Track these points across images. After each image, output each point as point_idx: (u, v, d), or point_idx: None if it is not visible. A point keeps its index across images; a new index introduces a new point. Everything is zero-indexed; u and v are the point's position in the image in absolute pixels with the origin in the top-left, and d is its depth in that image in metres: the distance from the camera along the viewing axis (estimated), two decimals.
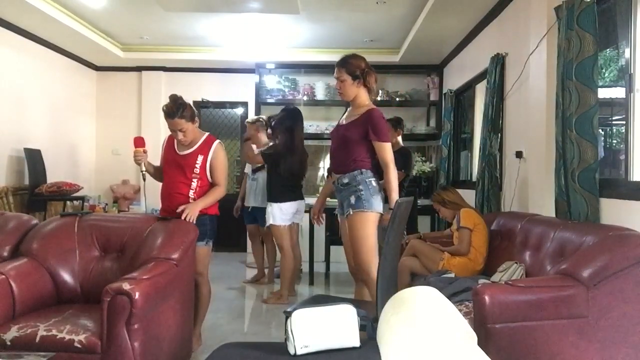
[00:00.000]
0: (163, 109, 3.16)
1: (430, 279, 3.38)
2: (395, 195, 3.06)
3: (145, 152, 3.28)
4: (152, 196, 3.88)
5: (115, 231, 3.01)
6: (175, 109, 3.12)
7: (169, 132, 3.28)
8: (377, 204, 3.12)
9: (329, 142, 7.37)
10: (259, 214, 5.15)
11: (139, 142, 3.29)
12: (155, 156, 3.48)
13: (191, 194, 3.20)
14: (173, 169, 3.25)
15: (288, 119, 4.68)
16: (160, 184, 3.37)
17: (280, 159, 4.54)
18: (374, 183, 3.13)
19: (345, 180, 3.15)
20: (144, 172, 3.30)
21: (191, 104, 3.29)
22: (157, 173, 3.40)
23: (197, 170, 3.20)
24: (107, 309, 2.29)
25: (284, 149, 4.56)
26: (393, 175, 3.11)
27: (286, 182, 4.63)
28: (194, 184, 3.21)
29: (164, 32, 6.32)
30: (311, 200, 5.39)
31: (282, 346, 1.97)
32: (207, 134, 3.32)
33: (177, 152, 3.26)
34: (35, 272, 2.76)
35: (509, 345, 2.20)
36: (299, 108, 5.02)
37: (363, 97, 3.23)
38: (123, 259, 2.91)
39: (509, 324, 2.21)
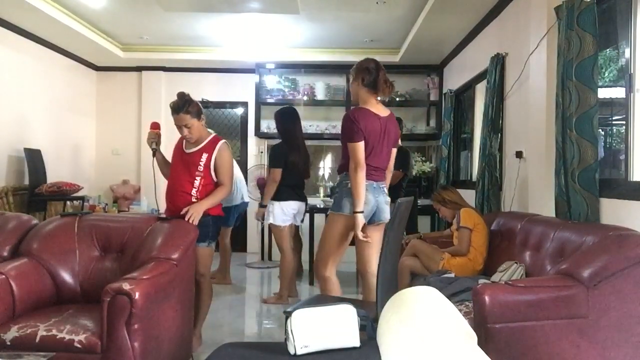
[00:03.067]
0: (170, 105, 3.23)
1: (430, 279, 3.38)
2: (356, 201, 3.03)
3: (157, 134, 3.44)
4: (152, 197, 3.89)
5: (115, 231, 3.01)
6: (181, 104, 3.18)
7: (168, 133, 3.31)
8: (347, 207, 3.10)
9: (329, 142, 7.48)
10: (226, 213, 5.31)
11: (154, 125, 3.49)
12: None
13: (194, 192, 3.21)
14: (179, 166, 3.29)
15: (286, 121, 4.69)
16: (163, 186, 3.40)
17: (285, 154, 4.55)
18: (349, 186, 3.10)
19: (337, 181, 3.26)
20: (154, 149, 3.42)
21: None
22: (166, 168, 3.43)
23: (200, 168, 3.23)
24: (107, 309, 2.29)
25: (288, 145, 4.58)
26: (353, 179, 3.06)
27: (289, 181, 4.61)
28: (197, 182, 3.22)
29: (164, 32, 6.32)
30: (312, 201, 5.41)
31: (282, 346, 1.97)
32: (214, 134, 3.36)
33: (184, 150, 3.30)
34: (35, 272, 2.75)
35: (509, 345, 2.20)
36: (293, 107, 5.01)
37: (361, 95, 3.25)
38: (123, 259, 2.91)
39: (509, 324, 2.21)
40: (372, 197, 3.13)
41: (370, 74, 3.16)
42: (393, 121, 3.29)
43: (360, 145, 3.06)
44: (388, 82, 3.21)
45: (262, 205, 4.67)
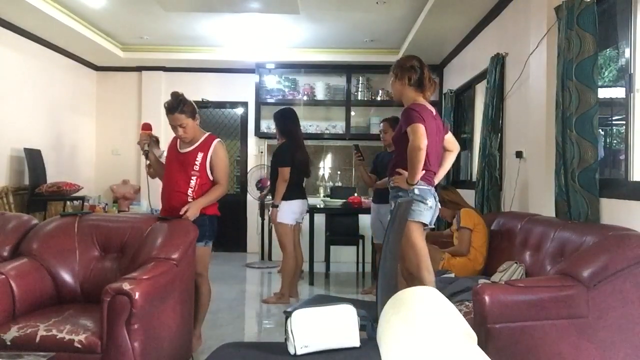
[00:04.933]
0: (164, 105, 3.22)
1: None
2: (413, 174, 2.88)
3: (149, 135, 3.41)
4: (152, 197, 3.89)
5: (115, 231, 3.01)
6: (176, 104, 3.17)
7: (168, 132, 3.30)
8: (420, 214, 2.96)
9: (329, 142, 7.48)
10: None
11: (145, 126, 3.46)
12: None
13: (190, 192, 3.21)
14: (174, 166, 3.28)
15: (287, 121, 4.72)
16: (159, 185, 3.39)
17: (292, 153, 4.57)
18: (416, 192, 2.96)
19: None
20: (146, 150, 3.39)
21: None
22: (160, 169, 3.43)
23: (196, 168, 3.22)
24: (107, 309, 2.29)
25: (293, 145, 4.60)
26: (415, 157, 2.87)
27: (295, 180, 4.63)
28: (193, 181, 3.22)
29: (164, 32, 6.32)
30: (312, 201, 5.42)
31: (282, 346, 1.97)
32: (208, 133, 3.35)
33: (179, 150, 3.30)
34: (35, 272, 2.75)
35: (509, 345, 2.20)
36: (291, 107, 5.03)
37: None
38: (123, 259, 2.91)
39: (509, 324, 2.21)
40: (435, 203, 3.03)
41: (415, 73, 3.11)
42: (440, 120, 3.18)
43: (424, 128, 2.91)
44: (432, 80, 3.14)
45: (274, 206, 4.63)
